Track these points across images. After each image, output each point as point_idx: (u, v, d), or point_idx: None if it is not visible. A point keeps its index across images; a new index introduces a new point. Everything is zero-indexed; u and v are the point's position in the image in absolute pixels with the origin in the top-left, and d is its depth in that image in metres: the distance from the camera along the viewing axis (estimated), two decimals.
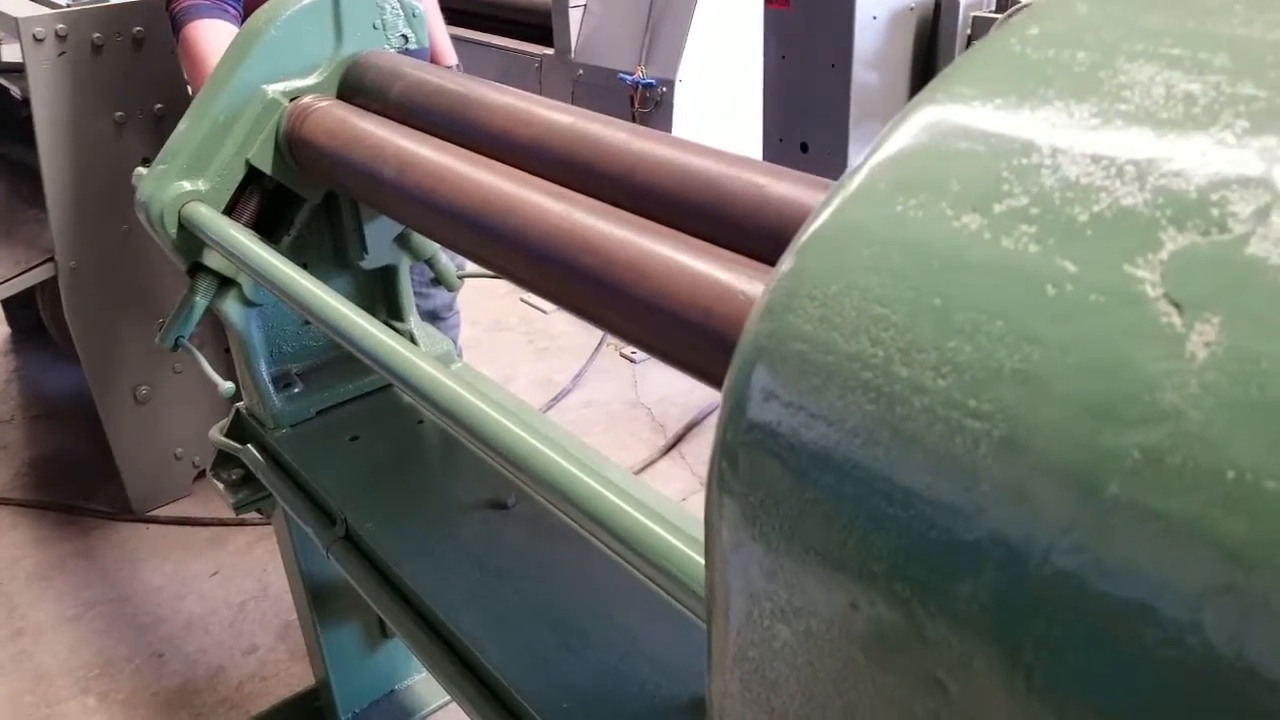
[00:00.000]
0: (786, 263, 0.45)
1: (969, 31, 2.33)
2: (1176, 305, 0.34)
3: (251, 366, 1.51)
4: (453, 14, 2.99)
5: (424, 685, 1.87)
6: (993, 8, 2.35)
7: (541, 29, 3.96)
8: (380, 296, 1.60)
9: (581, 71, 3.75)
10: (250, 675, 2.24)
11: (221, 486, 1.61)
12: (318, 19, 1.35)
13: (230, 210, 1.37)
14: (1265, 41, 0.40)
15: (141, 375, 2.58)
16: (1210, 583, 0.30)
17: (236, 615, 2.40)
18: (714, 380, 0.80)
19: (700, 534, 0.61)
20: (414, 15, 1.42)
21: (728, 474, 0.46)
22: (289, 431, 1.53)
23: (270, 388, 1.52)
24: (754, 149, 2.69)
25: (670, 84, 3.43)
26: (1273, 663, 0.29)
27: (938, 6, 2.35)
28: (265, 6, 1.35)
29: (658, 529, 0.66)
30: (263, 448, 1.54)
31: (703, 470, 2.88)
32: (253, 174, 1.37)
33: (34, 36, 2.16)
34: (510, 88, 1.18)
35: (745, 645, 0.46)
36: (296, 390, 1.55)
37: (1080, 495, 0.34)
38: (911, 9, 2.35)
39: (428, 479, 1.43)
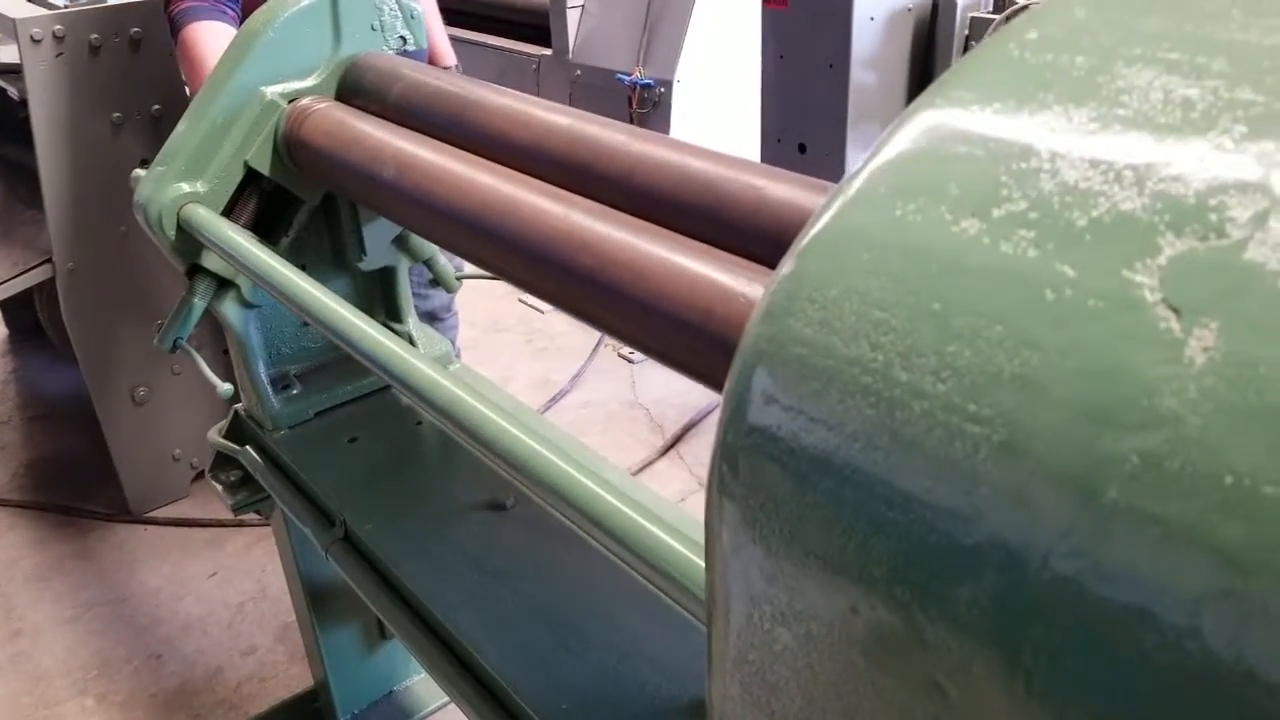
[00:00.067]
0: (786, 266, 0.45)
1: (966, 32, 2.33)
2: (1175, 310, 0.34)
3: (250, 368, 1.51)
4: (450, 14, 2.99)
5: (423, 686, 1.87)
6: (990, 8, 2.35)
7: (539, 29, 3.96)
8: (379, 298, 1.60)
9: (579, 72, 3.75)
10: (249, 676, 2.24)
11: (220, 488, 1.61)
12: (316, 20, 1.35)
13: (229, 212, 1.37)
14: (1263, 46, 0.40)
15: (139, 376, 2.58)
16: (1209, 588, 0.31)
17: (235, 616, 2.40)
18: (712, 382, 0.81)
19: (699, 536, 0.62)
20: (412, 17, 1.42)
21: (728, 477, 0.46)
22: (287, 433, 1.53)
23: (269, 389, 1.52)
24: (752, 149, 2.69)
25: (668, 84, 3.44)
26: (1271, 667, 0.29)
27: (935, 7, 2.36)
28: (263, 8, 1.35)
29: (656, 531, 0.67)
30: (261, 449, 1.54)
31: (701, 471, 2.88)
32: (251, 175, 1.37)
33: (31, 37, 2.15)
34: (509, 89, 1.18)
35: (746, 648, 0.47)
36: (295, 392, 1.55)
37: (1079, 500, 0.34)
38: (909, 10, 2.35)
39: (426, 480, 1.43)
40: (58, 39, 2.19)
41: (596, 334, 3.43)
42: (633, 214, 0.93)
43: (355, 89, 1.36)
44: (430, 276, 1.59)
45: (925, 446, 0.38)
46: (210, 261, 1.38)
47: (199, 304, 1.41)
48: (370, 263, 1.51)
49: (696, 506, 2.75)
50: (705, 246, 0.85)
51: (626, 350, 3.45)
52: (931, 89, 0.47)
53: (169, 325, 1.43)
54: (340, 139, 1.25)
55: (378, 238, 1.50)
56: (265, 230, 1.41)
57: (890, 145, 0.45)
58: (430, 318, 2.20)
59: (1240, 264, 0.34)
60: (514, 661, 1.10)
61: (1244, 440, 0.31)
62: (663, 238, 0.87)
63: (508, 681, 1.08)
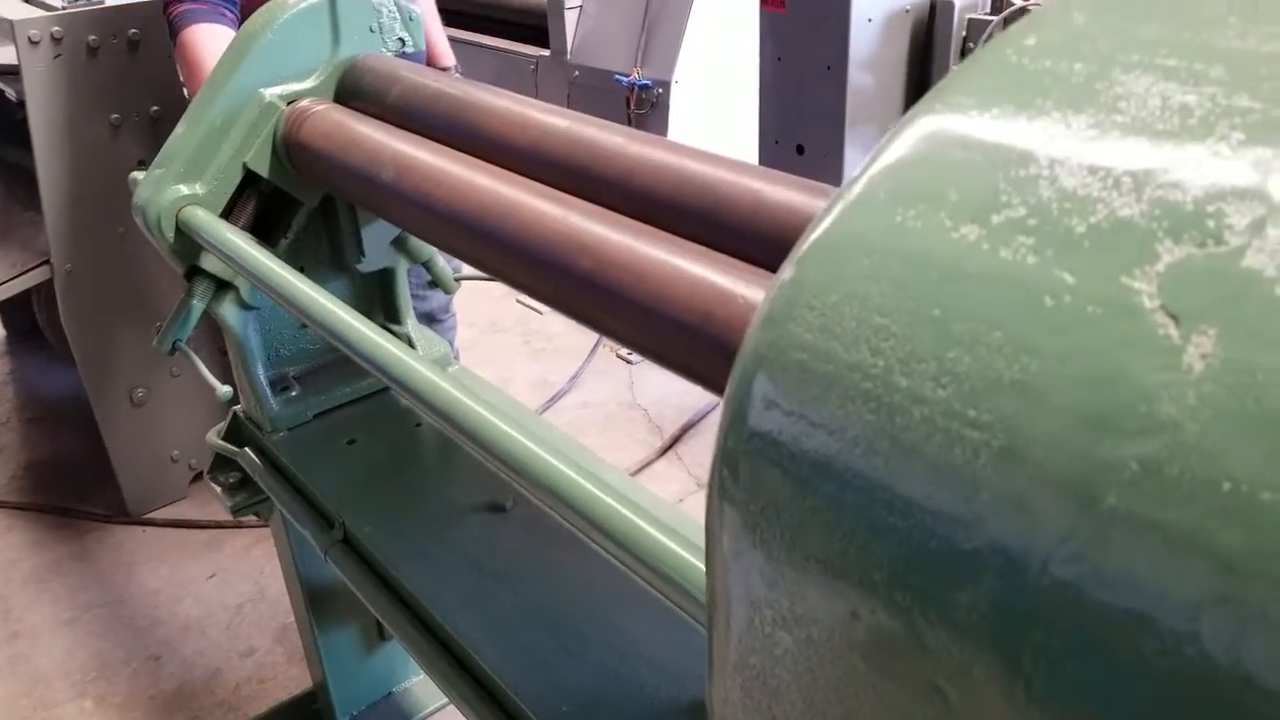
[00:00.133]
0: (786, 272, 0.46)
1: (964, 34, 2.33)
2: (1173, 317, 0.34)
3: (249, 370, 1.51)
4: (448, 15, 2.99)
5: (422, 687, 1.87)
6: (987, 10, 2.35)
7: (537, 30, 3.96)
8: (377, 299, 1.60)
9: (577, 73, 3.75)
10: (248, 678, 2.24)
11: (219, 490, 1.61)
12: (315, 22, 1.35)
13: (227, 214, 1.37)
14: (1260, 53, 0.41)
15: (137, 378, 2.58)
16: (1207, 593, 0.31)
17: (234, 618, 2.40)
18: (711, 384, 0.81)
19: (698, 538, 0.62)
20: (411, 19, 1.42)
21: (729, 482, 0.46)
22: (286, 435, 1.53)
23: (268, 391, 1.52)
24: (750, 151, 2.70)
25: (666, 85, 3.44)
26: (1269, 672, 0.29)
27: (933, 9, 2.36)
28: (262, 10, 1.35)
29: (656, 534, 0.67)
30: (260, 451, 1.54)
31: (699, 471, 2.89)
32: (250, 177, 1.37)
33: (29, 39, 2.15)
34: (507, 91, 1.18)
35: (746, 652, 0.47)
36: (294, 393, 1.55)
37: (1079, 505, 0.34)
38: (907, 11, 2.36)
39: (425, 482, 1.43)
40: (56, 40, 2.19)
41: (594, 335, 3.43)
42: (631, 216, 0.93)
43: (354, 91, 1.36)
44: (428, 278, 1.59)
45: (925, 452, 0.38)
46: (209, 263, 1.38)
47: (198, 306, 1.41)
48: (369, 264, 1.51)
49: (695, 507, 2.75)
50: (703, 249, 0.85)
51: (624, 351, 3.45)
52: (930, 95, 0.47)
53: (168, 327, 1.43)
54: (339, 141, 1.25)
55: (376, 239, 1.50)
56: (264, 232, 1.41)
57: (890, 151, 0.46)
58: (428, 319, 2.20)
59: (1238, 271, 0.34)
60: (513, 663, 1.10)
61: (1242, 447, 0.31)
62: (661, 240, 0.87)
63: (507, 683, 1.08)
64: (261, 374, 1.52)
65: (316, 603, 1.70)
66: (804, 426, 0.42)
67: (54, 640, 2.36)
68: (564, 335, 3.57)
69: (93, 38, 2.23)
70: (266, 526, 1.90)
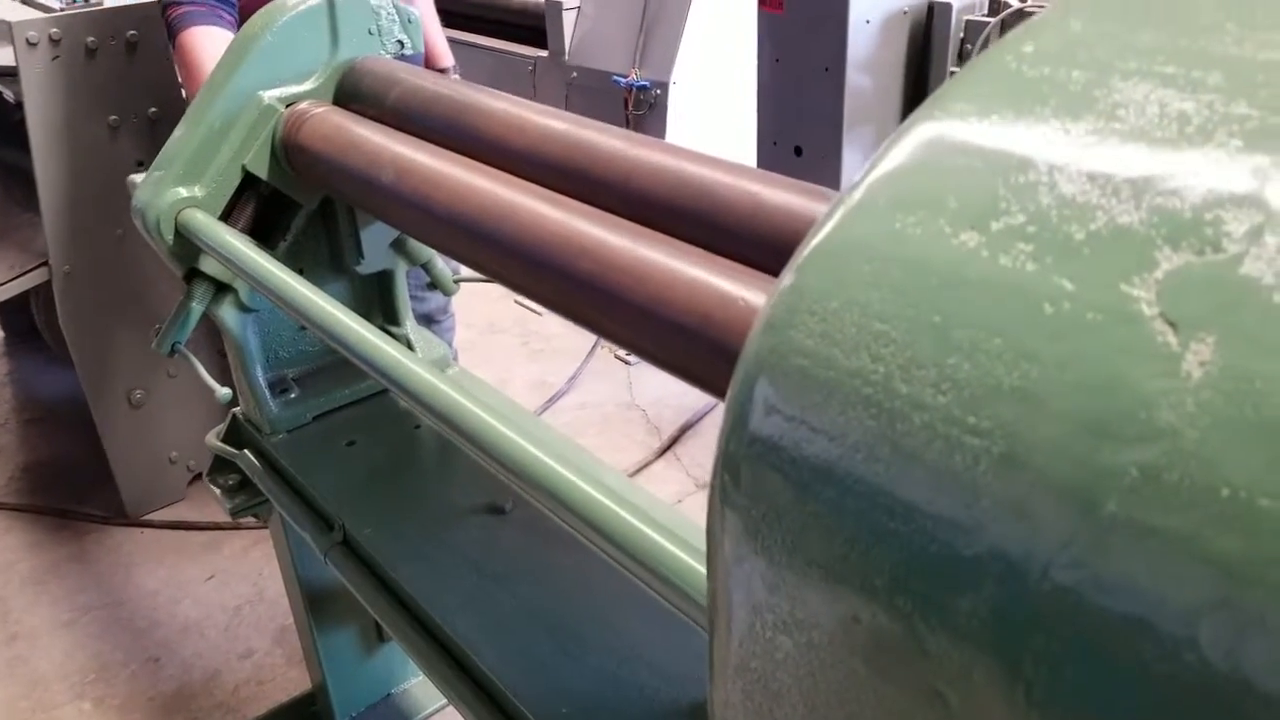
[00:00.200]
0: (787, 278, 0.46)
1: (961, 35, 2.34)
2: (1172, 324, 0.35)
3: (248, 372, 1.51)
4: (446, 16, 2.99)
5: (421, 689, 1.87)
6: (985, 11, 2.36)
7: (535, 31, 3.97)
8: (376, 301, 1.60)
9: (575, 74, 3.75)
10: (247, 679, 2.24)
11: (218, 492, 1.61)
12: (314, 25, 1.35)
13: (226, 216, 1.37)
14: (1257, 61, 0.41)
15: (136, 379, 2.58)
16: (1206, 599, 0.31)
17: (232, 619, 2.40)
18: (710, 386, 0.81)
19: (697, 540, 0.62)
20: (409, 21, 1.43)
21: (730, 487, 0.46)
22: (286, 437, 1.53)
23: (267, 393, 1.52)
24: (748, 152, 2.70)
25: (664, 86, 3.44)
26: (1268, 677, 0.30)
27: (930, 10, 2.36)
28: (261, 12, 1.35)
29: (655, 536, 0.67)
30: (259, 453, 1.54)
31: (698, 472, 2.89)
32: (249, 180, 1.37)
33: (27, 40, 2.15)
34: (506, 94, 1.19)
35: (748, 656, 0.47)
36: (293, 395, 1.55)
37: (1078, 511, 0.34)
38: (905, 13, 2.36)
39: (425, 484, 1.43)
40: (54, 42, 2.19)
41: (593, 335, 3.43)
42: (629, 219, 0.94)
43: (353, 93, 1.36)
44: (427, 280, 1.59)
45: (926, 458, 0.38)
46: (208, 266, 1.38)
47: (197, 308, 1.41)
48: (368, 266, 1.51)
49: (693, 508, 2.76)
50: (702, 252, 0.86)
51: (623, 352, 3.46)
52: (929, 102, 0.47)
53: (167, 329, 1.43)
54: (338, 143, 1.25)
55: (375, 241, 1.50)
56: (263, 234, 1.41)
57: (889, 158, 0.46)
58: (427, 320, 2.20)
59: (1236, 278, 0.34)
60: (512, 664, 1.10)
61: (1240, 453, 0.32)
62: (660, 243, 0.87)
63: (506, 684, 1.08)
64: (261, 376, 1.52)
65: (315, 604, 1.70)
66: (805, 432, 0.43)
67: (52, 642, 2.36)
68: (562, 336, 3.58)
69: (91, 39, 2.23)
70: (265, 528, 1.91)
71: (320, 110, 1.33)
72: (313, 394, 1.56)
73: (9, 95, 2.53)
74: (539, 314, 3.73)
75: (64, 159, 2.30)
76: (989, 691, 0.36)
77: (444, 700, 1.74)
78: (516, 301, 3.81)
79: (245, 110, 1.34)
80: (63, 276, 2.39)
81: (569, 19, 3.76)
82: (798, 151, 2.52)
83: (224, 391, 1.49)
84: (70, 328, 2.45)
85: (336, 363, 1.58)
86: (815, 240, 0.46)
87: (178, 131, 1.36)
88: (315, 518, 1.39)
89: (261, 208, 1.40)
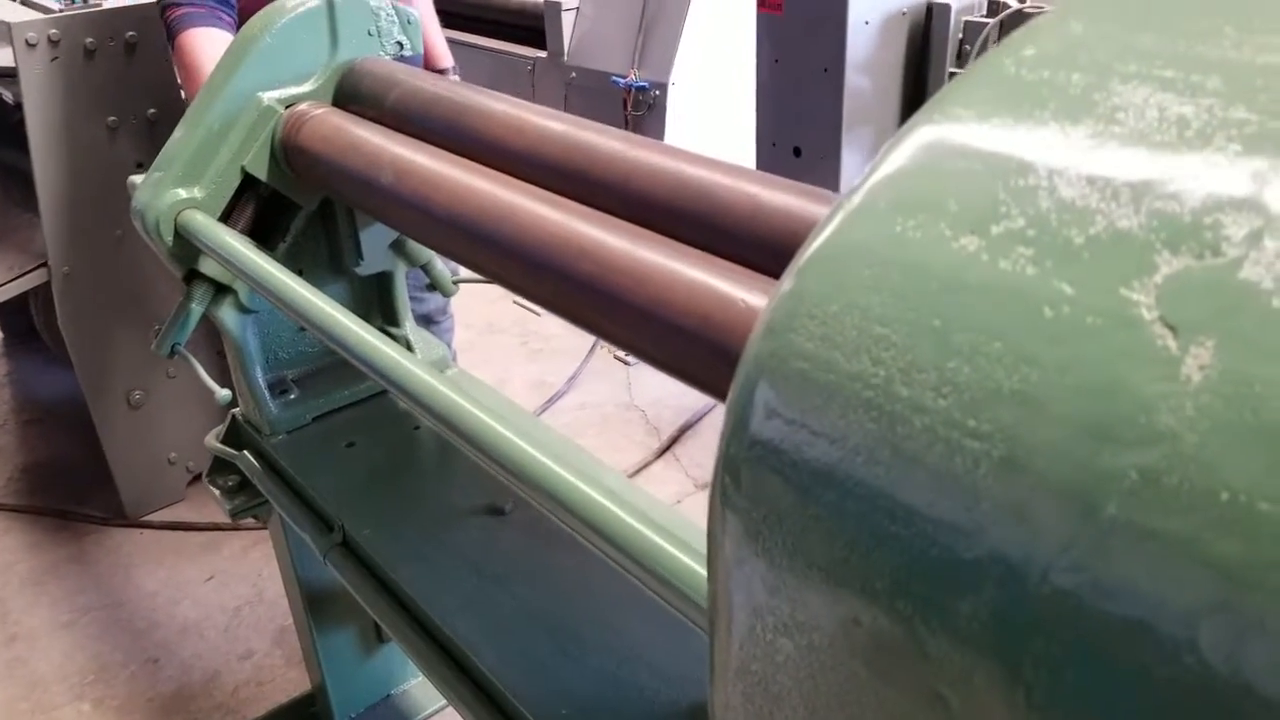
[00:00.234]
0: (787, 282, 0.46)
1: (960, 36, 2.34)
2: (1171, 328, 0.35)
3: (247, 373, 1.51)
4: (446, 16, 2.99)
5: (420, 690, 1.87)
6: (984, 12, 2.36)
7: (534, 31, 3.97)
8: (375, 302, 1.60)
9: (574, 74, 3.76)
10: (246, 680, 2.24)
11: (218, 493, 1.61)
12: (313, 26, 1.35)
13: (226, 217, 1.37)
14: (1256, 65, 0.41)
15: (135, 380, 2.58)
16: (1206, 602, 0.31)
17: (232, 620, 2.40)
18: (710, 388, 0.81)
19: (697, 541, 0.62)
20: (409, 22, 1.43)
21: (730, 489, 0.46)
22: (285, 438, 1.53)
23: (266, 394, 1.52)
24: (747, 153, 2.70)
25: (663, 87, 3.44)
26: (1268, 681, 0.30)
27: (929, 11, 2.36)
28: (260, 14, 1.35)
29: (655, 538, 0.67)
30: (259, 454, 1.54)
31: (697, 472, 2.89)
32: (248, 181, 1.37)
33: (26, 42, 2.15)
34: (505, 95, 1.19)
35: (748, 659, 0.47)
36: (293, 396, 1.55)
37: (1079, 515, 0.34)
38: (904, 14, 2.36)
39: (424, 485, 1.43)
40: (53, 43, 2.19)
41: (592, 335, 3.43)
42: (628, 220, 0.94)
43: (352, 94, 1.36)
44: (426, 281, 1.59)
45: (926, 461, 0.38)
46: (208, 267, 1.38)
47: (196, 309, 1.41)
48: (367, 267, 1.52)
49: (693, 508, 2.75)
50: (701, 253, 0.86)
51: (622, 352, 3.46)
52: (929, 105, 0.47)
53: (166, 331, 1.44)
54: (337, 144, 1.25)
55: (375, 243, 1.50)
56: (262, 235, 1.41)
57: (889, 161, 0.46)
58: (426, 320, 2.20)
59: (1235, 282, 0.34)
60: (512, 665, 1.10)
61: (1240, 457, 0.32)
62: (660, 244, 0.87)
63: (506, 685, 1.08)
64: (260, 377, 1.52)
65: (315, 605, 1.70)
66: (805, 435, 0.43)
67: (52, 643, 2.36)
68: (561, 336, 3.58)
69: (90, 40, 2.23)
70: (264, 528, 1.91)
71: (320, 111, 1.33)
72: (312, 395, 1.56)
73: (8, 96, 2.53)
74: (538, 314, 3.73)
75: (63, 160, 2.30)
76: (990, 694, 0.36)
77: (443, 701, 1.74)
78: (515, 302, 3.81)
79: (245, 111, 1.34)
80: (62, 277, 2.39)
81: (568, 19, 3.76)
82: (797, 152, 2.52)
83: (224, 393, 1.49)
84: (69, 329, 2.45)
85: (336, 364, 1.58)
86: (815, 244, 0.46)
87: (177, 133, 1.36)
88: (315, 519, 1.39)
89: (261, 209, 1.40)
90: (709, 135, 3.44)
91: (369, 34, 1.40)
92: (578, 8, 3.76)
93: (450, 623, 1.16)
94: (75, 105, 2.27)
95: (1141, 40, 0.45)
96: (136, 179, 1.39)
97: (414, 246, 1.52)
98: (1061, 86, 0.44)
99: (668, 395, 3.21)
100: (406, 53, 1.43)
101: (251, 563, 2.57)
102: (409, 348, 1.56)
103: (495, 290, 3.50)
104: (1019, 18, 2.24)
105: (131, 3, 2.32)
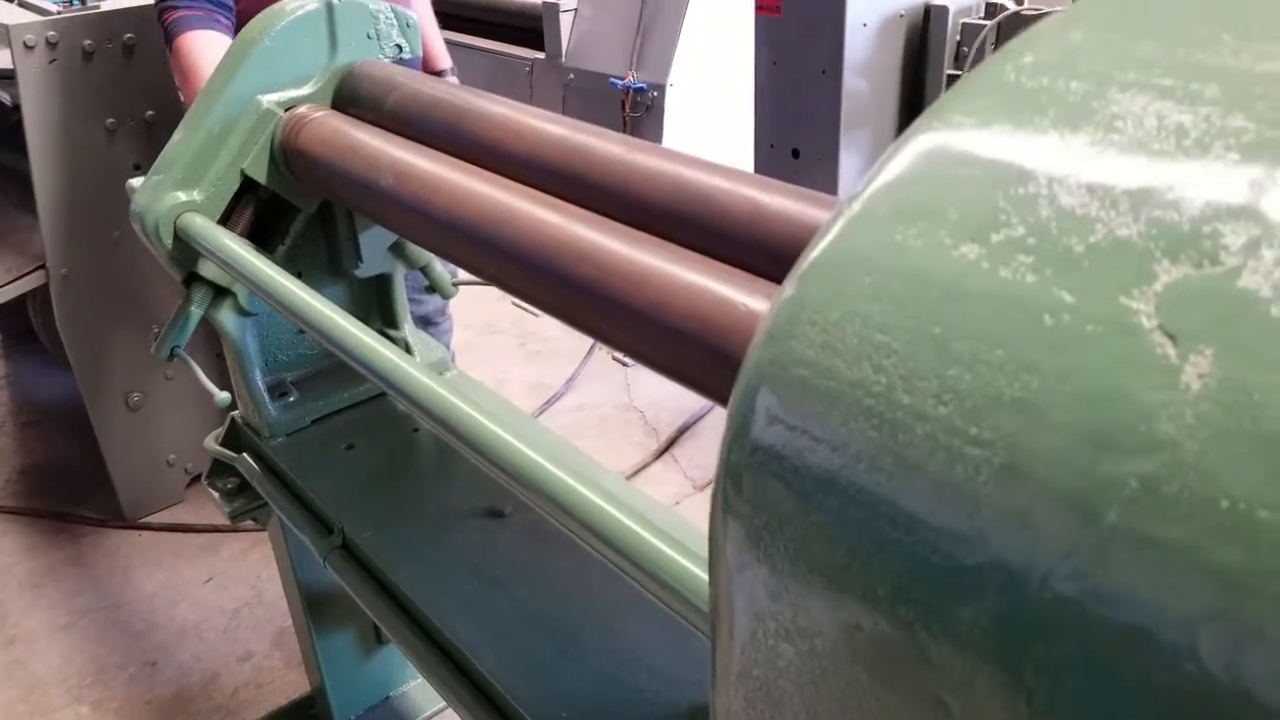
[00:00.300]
0: (788, 289, 0.46)
1: (958, 38, 2.34)
2: (1171, 337, 0.35)
3: (247, 375, 1.51)
4: (444, 18, 2.99)
5: (419, 691, 1.87)
6: (981, 15, 2.36)
7: (532, 33, 3.97)
8: (375, 305, 1.61)
9: (572, 76, 3.76)
10: (245, 682, 2.24)
11: (217, 495, 1.61)
12: (312, 29, 1.35)
13: (225, 220, 1.37)
14: (1254, 73, 0.41)
15: (133, 382, 2.58)
16: (1206, 610, 0.31)
17: (231, 622, 2.40)
18: (710, 391, 0.81)
19: (696, 544, 0.62)
20: (408, 25, 1.43)
21: (732, 495, 0.46)
22: (285, 440, 1.53)
23: (265, 396, 1.53)
24: (745, 155, 2.70)
25: (661, 89, 3.44)
26: (1268, 688, 0.30)
27: (927, 13, 2.37)
28: (259, 17, 1.35)
29: (655, 541, 0.67)
30: (258, 456, 1.54)
31: (696, 474, 2.89)
32: (248, 184, 1.37)
33: (24, 44, 2.15)
34: (504, 98, 1.19)
35: (750, 664, 0.47)
36: (292, 399, 1.55)
37: (1079, 522, 0.35)
38: (901, 16, 2.37)
39: (424, 487, 1.44)
40: (51, 45, 2.19)
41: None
42: (627, 224, 0.94)
43: (351, 97, 1.36)
44: (425, 283, 1.59)
45: (927, 468, 0.39)
46: (207, 270, 1.39)
47: (196, 312, 1.42)
48: (366, 270, 1.52)
49: (692, 510, 2.75)
50: (701, 257, 0.86)
51: (620, 353, 3.46)
52: (929, 112, 0.48)
53: (166, 333, 1.44)
54: (337, 147, 1.26)
55: (374, 245, 1.50)
56: (262, 238, 1.41)
57: (889, 169, 0.46)
58: (424, 322, 2.20)
59: (1234, 291, 0.35)
60: (512, 667, 1.11)
61: (1239, 465, 0.32)
62: (659, 248, 0.88)
63: (505, 687, 1.08)
64: (259, 380, 1.52)
65: (314, 607, 1.70)
66: (807, 442, 0.43)
67: (50, 645, 2.36)
68: (560, 338, 3.58)
69: (88, 42, 2.23)
70: (262, 530, 1.91)
71: (319, 114, 1.33)
72: (311, 397, 1.56)
73: (6, 98, 2.53)
74: (536, 315, 3.73)
75: (61, 162, 2.30)
76: (991, 700, 0.37)
77: (443, 703, 1.74)
78: (514, 303, 3.81)
79: (244, 114, 1.34)
80: (60, 279, 2.39)
81: (566, 21, 3.76)
82: (795, 154, 2.52)
83: (223, 395, 1.49)
84: (68, 330, 2.45)
85: (335, 366, 1.59)
86: (816, 251, 0.46)
87: (176, 135, 1.36)
88: (314, 521, 1.39)
89: (260, 212, 1.40)
90: (707, 137, 3.44)
91: (368, 37, 1.40)
92: (576, 9, 3.76)
93: (450, 625, 1.16)
94: (73, 107, 2.27)
95: (1140, 48, 0.45)
96: (135, 182, 1.39)
97: (413, 249, 1.52)
98: (1061, 94, 0.44)
99: (666, 396, 3.21)
100: (405, 55, 1.44)
101: (250, 564, 2.57)
102: (408, 350, 1.56)
103: (494, 291, 3.50)
104: (1016, 20, 2.24)
105: (129, 5, 2.32)
